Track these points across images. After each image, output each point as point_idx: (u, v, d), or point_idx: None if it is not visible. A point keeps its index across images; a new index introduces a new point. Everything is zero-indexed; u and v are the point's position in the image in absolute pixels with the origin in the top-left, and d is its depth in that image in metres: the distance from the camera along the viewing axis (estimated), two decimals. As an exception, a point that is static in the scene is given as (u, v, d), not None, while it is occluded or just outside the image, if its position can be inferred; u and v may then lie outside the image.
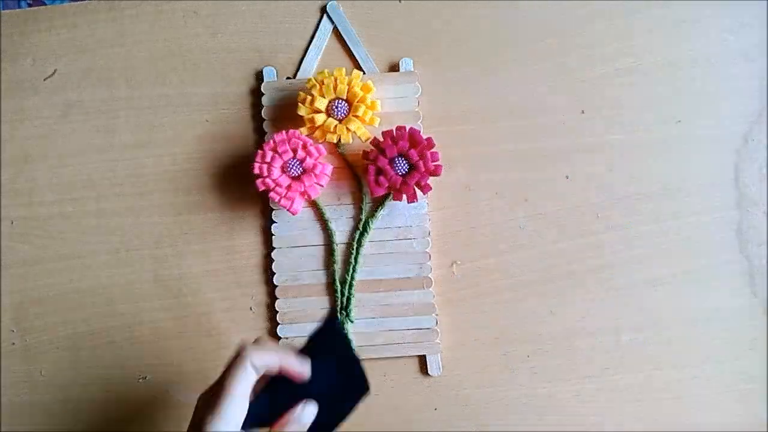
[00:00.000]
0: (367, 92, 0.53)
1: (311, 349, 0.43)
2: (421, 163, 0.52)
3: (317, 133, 0.54)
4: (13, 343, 0.56)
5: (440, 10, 0.57)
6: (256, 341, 0.43)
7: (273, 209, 0.55)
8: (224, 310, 0.56)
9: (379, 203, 0.54)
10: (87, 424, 0.55)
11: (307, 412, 0.42)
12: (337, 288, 0.54)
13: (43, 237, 0.57)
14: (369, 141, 0.54)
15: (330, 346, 0.43)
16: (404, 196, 0.52)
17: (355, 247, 0.54)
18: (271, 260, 0.55)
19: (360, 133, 0.53)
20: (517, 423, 0.53)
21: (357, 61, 0.57)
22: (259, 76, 0.57)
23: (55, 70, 0.59)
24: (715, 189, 0.55)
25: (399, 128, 0.52)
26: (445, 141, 0.55)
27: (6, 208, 0.57)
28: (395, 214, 0.54)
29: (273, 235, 0.55)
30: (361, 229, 0.54)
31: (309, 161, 0.53)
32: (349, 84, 0.53)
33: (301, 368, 0.42)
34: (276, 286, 0.55)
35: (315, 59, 0.57)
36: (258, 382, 0.41)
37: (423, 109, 0.55)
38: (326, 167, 0.53)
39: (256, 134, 0.57)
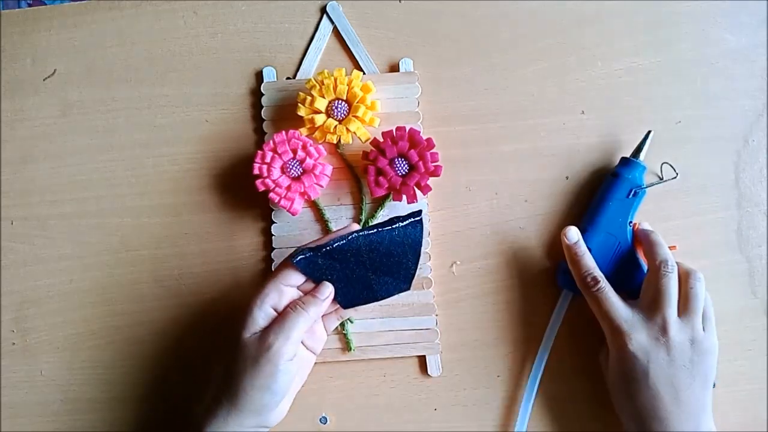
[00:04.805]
0: (366, 92, 0.53)
1: (385, 224, 0.47)
2: (420, 163, 0.52)
3: (317, 134, 0.54)
4: (13, 343, 0.56)
5: (440, 10, 0.57)
6: None
7: (273, 209, 0.55)
8: (224, 310, 0.55)
9: (378, 204, 0.54)
10: (87, 424, 0.55)
11: (323, 289, 0.47)
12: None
13: (43, 237, 0.57)
14: (369, 141, 0.54)
15: (403, 235, 0.47)
16: (404, 197, 0.52)
17: (355, 248, 0.54)
18: (271, 260, 0.55)
19: (360, 133, 0.53)
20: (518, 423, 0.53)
21: (357, 61, 0.57)
22: (259, 76, 0.57)
23: (54, 70, 0.59)
24: (715, 189, 0.55)
25: (399, 129, 0.52)
26: (445, 141, 0.55)
27: (6, 208, 0.57)
28: (395, 215, 0.54)
29: (273, 235, 0.55)
30: (361, 229, 0.54)
31: (309, 162, 0.53)
32: (349, 84, 0.53)
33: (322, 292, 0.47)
34: (276, 287, 0.54)
35: (315, 59, 0.57)
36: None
37: (423, 109, 0.55)
38: (326, 168, 0.53)
39: (256, 134, 0.57)
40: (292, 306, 0.46)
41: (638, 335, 0.47)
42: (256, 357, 0.44)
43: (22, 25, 0.59)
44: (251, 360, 0.44)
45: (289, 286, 0.47)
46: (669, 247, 0.51)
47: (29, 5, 0.64)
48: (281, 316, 0.45)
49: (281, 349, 0.44)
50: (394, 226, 0.47)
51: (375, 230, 0.46)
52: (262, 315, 0.45)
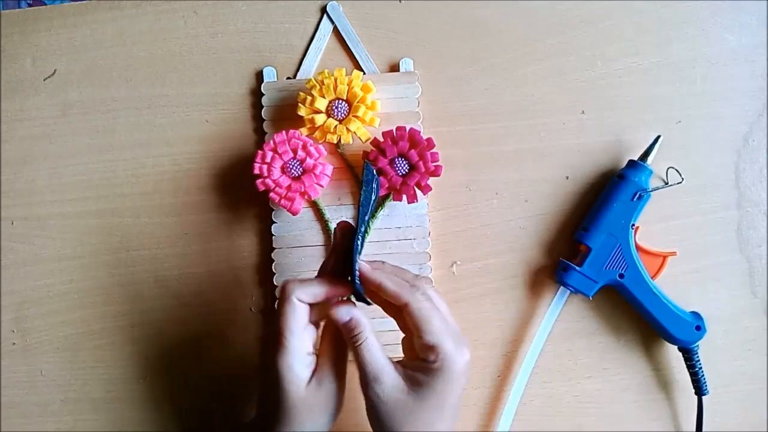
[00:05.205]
0: (367, 92, 0.53)
1: (365, 200, 0.46)
2: (421, 163, 0.52)
3: (317, 134, 0.54)
4: (14, 343, 0.56)
5: (440, 10, 0.57)
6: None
7: (273, 209, 0.55)
8: (224, 310, 0.55)
9: (379, 204, 0.54)
10: (87, 423, 0.55)
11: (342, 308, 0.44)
12: (337, 288, 0.54)
13: (43, 237, 0.57)
14: (369, 141, 0.54)
15: (372, 193, 0.46)
16: (404, 197, 0.52)
17: (355, 248, 0.54)
18: (271, 260, 0.55)
19: (360, 133, 0.53)
20: (517, 423, 0.53)
21: (357, 61, 0.57)
22: (259, 76, 0.57)
23: (55, 70, 0.59)
24: (715, 189, 0.55)
25: (399, 128, 0.52)
26: (445, 141, 0.55)
27: (6, 208, 0.58)
28: (395, 215, 0.54)
29: (273, 235, 0.55)
30: (361, 229, 0.54)
31: (309, 161, 0.53)
32: (349, 84, 0.53)
33: (345, 290, 0.45)
34: (276, 287, 0.54)
35: (315, 59, 0.57)
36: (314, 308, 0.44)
37: (423, 109, 0.55)
38: (326, 167, 0.53)
39: (256, 134, 0.57)
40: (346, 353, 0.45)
41: None
42: (325, 404, 0.44)
43: (22, 25, 0.59)
44: (319, 407, 0.44)
45: (303, 326, 0.44)
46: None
47: (29, 5, 0.64)
48: (336, 364, 0.45)
49: (343, 387, 0.45)
50: (372, 200, 0.46)
51: (363, 215, 0.45)
52: (303, 366, 0.43)
